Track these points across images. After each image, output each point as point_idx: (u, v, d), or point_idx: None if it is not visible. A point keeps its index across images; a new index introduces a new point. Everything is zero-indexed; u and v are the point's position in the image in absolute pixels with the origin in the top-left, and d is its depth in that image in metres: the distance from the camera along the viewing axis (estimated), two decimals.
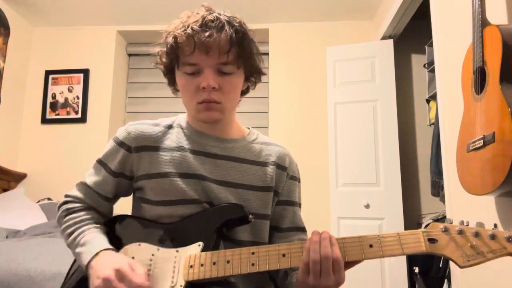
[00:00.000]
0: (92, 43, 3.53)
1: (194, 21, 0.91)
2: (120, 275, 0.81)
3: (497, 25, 1.32)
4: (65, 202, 1.02)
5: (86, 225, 0.96)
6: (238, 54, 0.93)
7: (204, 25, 0.91)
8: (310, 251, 0.78)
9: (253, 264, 0.83)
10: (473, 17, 1.42)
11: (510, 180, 1.19)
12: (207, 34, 0.89)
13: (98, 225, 0.98)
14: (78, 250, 0.91)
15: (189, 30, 0.90)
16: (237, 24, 0.94)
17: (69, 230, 0.96)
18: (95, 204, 1.01)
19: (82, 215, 0.98)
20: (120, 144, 1.00)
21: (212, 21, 0.91)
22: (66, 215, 0.99)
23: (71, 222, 0.97)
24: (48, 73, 3.48)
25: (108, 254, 0.88)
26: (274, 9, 3.31)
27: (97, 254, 0.87)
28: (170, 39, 0.94)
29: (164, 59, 0.98)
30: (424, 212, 3.21)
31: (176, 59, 0.95)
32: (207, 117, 0.97)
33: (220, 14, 0.94)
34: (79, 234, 0.94)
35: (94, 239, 0.92)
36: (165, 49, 0.96)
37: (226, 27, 0.92)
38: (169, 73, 1.01)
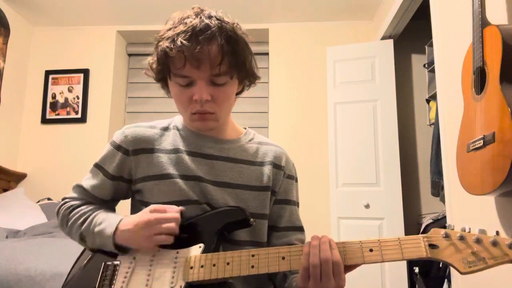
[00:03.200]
0: (92, 43, 3.53)
1: (182, 31, 0.87)
2: (159, 211, 0.86)
3: (497, 25, 1.32)
4: (65, 203, 1.02)
5: (96, 210, 0.97)
6: (230, 63, 0.90)
7: (194, 36, 0.86)
8: (309, 255, 0.78)
9: (252, 267, 0.83)
10: (473, 17, 1.42)
11: (510, 180, 1.19)
12: (197, 48, 0.86)
13: (107, 209, 0.99)
14: (97, 229, 0.92)
15: (178, 43, 0.86)
16: (229, 29, 0.90)
17: (81, 220, 0.96)
18: (95, 202, 1.02)
19: (87, 206, 0.99)
20: (117, 147, 1.00)
21: (203, 31, 0.87)
22: (71, 211, 0.99)
23: (79, 214, 0.97)
24: (48, 73, 3.48)
25: (129, 217, 0.91)
26: (274, 9, 3.31)
27: (121, 220, 0.90)
28: (159, 52, 0.91)
29: (155, 69, 0.96)
30: (424, 212, 3.21)
31: (168, 71, 0.92)
32: (202, 126, 0.97)
33: (211, 18, 0.90)
34: (93, 218, 0.95)
35: (109, 215, 0.94)
36: (155, 59, 0.94)
37: (218, 37, 0.88)
38: (162, 80, 0.99)
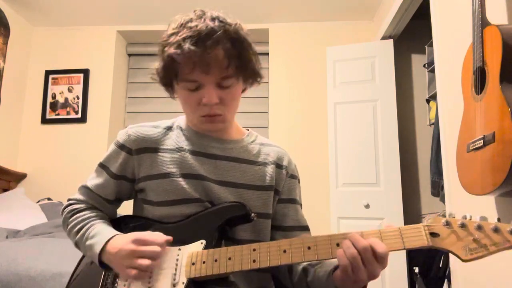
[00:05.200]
0: (92, 43, 3.53)
1: (188, 36, 0.87)
2: (141, 242, 0.84)
3: (497, 25, 1.32)
4: (69, 205, 1.03)
5: (93, 220, 0.97)
6: (236, 66, 0.91)
7: (201, 41, 0.86)
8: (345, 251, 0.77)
9: (254, 261, 0.83)
10: (473, 17, 1.42)
11: (510, 180, 1.19)
12: (205, 53, 0.86)
13: (104, 220, 0.99)
14: (88, 243, 0.92)
15: (186, 49, 0.86)
16: (233, 31, 0.90)
17: (77, 228, 0.97)
18: (98, 206, 1.03)
19: (87, 213, 0.99)
20: (121, 147, 1.01)
21: (208, 35, 0.87)
22: (71, 216, 1.00)
23: (77, 220, 0.98)
24: (48, 73, 3.48)
25: (119, 237, 0.90)
26: (274, 9, 3.31)
27: (108, 240, 0.89)
28: (166, 58, 0.90)
29: (161, 74, 0.95)
30: (424, 212, 3.21)
31: (175, 76, 0.92)
32: (211, 128, 0.99)
33: (214, 20, 0.90)
34: (87, 229, 0.95)
35: (103, 229, 0.94)
36: (162, 65, 0.93)
37: (223, 40, 0.88)
38: (168, 85, 0.98)
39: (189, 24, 0.89)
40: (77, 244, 0.98)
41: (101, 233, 0.92)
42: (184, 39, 0.87)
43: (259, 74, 1.00)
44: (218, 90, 0.92)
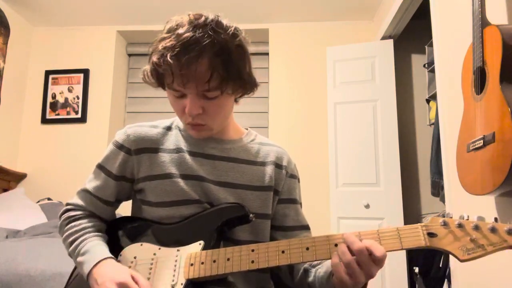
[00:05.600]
0: (92, 43, 3.53)
1: (171, 46, 0.84)
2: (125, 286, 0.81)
3: (497, 25, 1.32)
4: (67, 210, 1.01)
5: (87, 233, 0.96)
6: (222, 77, 0.86)
7: (182, 54, 0.83)
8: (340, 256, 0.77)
9: (252, 261, 0.83)
10: (473, 17, 1.42)
11: (510, 180, 1.19)
12: (183, 67, 0.83)
13: (99, 233, 0.98)
14: (79, 259, 0.91)
15: (166, 60, 0.83)
16: (220, 42, 0.85)
17: (71, 239, 0.96)
18: (97, 211, 1.01)
19: (83, 223, 0.98)
20: (120, 147, 1.00)
21: (192, 46, 0.83)
22: (67, 223, 0.99)
23: (72, 230, 0.96)
24: (48, 73, 3.48)
25: (108, 264, 0.87)
26: (274, 9, 3.31)
27: (97, 263, 0.87)
28: (151, 65, 0.89)
29: (149, 79, 0.94)
30: (424, 212, 3.21)
31: (161, 83, 0.92)
32: (196, 135, 0.98)
33: (205, 27, 0.85)
34: (80, 243, 0.93)
35: (94, 247, 0.91)
36: (149, 69, 0.92)
37: (207, 52, 0.84)
38: (160, 87, 0.97)
39: (178, 31, 0.86)
40: (70, 255, 0.96)
41: (91, 251, 0.90)
42: (167, 49, 0.84)
43: (251, 84, 0.96)
44: (202, 100, 0.89)
